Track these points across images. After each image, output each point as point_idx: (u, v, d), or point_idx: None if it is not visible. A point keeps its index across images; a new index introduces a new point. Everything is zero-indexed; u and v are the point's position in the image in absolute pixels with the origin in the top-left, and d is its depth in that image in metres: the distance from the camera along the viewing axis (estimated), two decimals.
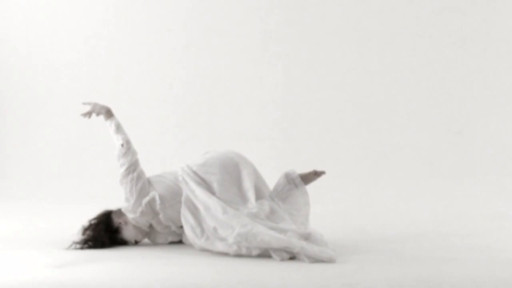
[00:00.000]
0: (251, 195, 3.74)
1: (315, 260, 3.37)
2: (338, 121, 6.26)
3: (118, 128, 3.91)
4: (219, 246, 3.57)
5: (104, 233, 3.79)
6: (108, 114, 3.96)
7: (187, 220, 3.70)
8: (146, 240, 3.97)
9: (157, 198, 3.77)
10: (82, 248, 3.75)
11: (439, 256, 3.53)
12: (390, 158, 6.07)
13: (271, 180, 3.99)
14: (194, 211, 3.71)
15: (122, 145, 3.84)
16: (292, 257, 3.44)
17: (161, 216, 3.80)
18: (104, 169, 6.27)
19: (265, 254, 3.50)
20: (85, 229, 3.83)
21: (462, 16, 6.11)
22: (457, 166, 5.92)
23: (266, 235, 3.46)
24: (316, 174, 3.99)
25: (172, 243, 3.95)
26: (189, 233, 3.69)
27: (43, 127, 6.72)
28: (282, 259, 3.43)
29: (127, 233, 3.85)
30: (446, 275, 3.12)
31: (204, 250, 3.67)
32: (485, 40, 6.09)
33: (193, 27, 6.57)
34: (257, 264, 3.35)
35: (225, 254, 3.56)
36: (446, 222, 4.67)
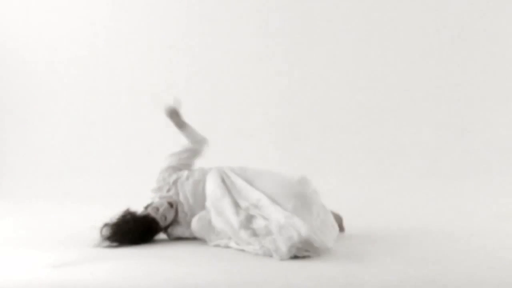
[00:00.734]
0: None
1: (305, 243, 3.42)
2: (340, 121, 6.25)
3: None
4: (230, 212, 3.68)
5: (139, 227, 3.81)
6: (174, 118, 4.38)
7: (214, 180, 3.87)
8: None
9: (185, 174, 4.01)
10: (110, 244, 3.74)
11: (440, 256, 3.52)
12: (392, 158, 6.07)
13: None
14: (224, 177, 3.89)
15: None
16: (292, 257, 3.44)
17: (179, 187, 3.96)
18: (104, 169, 6.28)
19: (265, 254, 3.50)
20: (122, 222, 3.81)
21: (466, 14, 6.11)
22: (459, 166, 5.91)
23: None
24: (341, 227, 4.15)
25: (174, 242, 3.96)
26: (210, 185, 3.84)
27: (43, 127, 6.72)
28: (282, 259, 3.43)
29: (169, 213, 3.91)
30: (447, 275, 3.12)
31: (215, 209, 3.77)
32: (487, 40, 6.09)
33: (195, 26, 6.57)
34: (258, 264, 3.35)
35: (225, 254, 3.56)
36: (447, 222, 4.67)
